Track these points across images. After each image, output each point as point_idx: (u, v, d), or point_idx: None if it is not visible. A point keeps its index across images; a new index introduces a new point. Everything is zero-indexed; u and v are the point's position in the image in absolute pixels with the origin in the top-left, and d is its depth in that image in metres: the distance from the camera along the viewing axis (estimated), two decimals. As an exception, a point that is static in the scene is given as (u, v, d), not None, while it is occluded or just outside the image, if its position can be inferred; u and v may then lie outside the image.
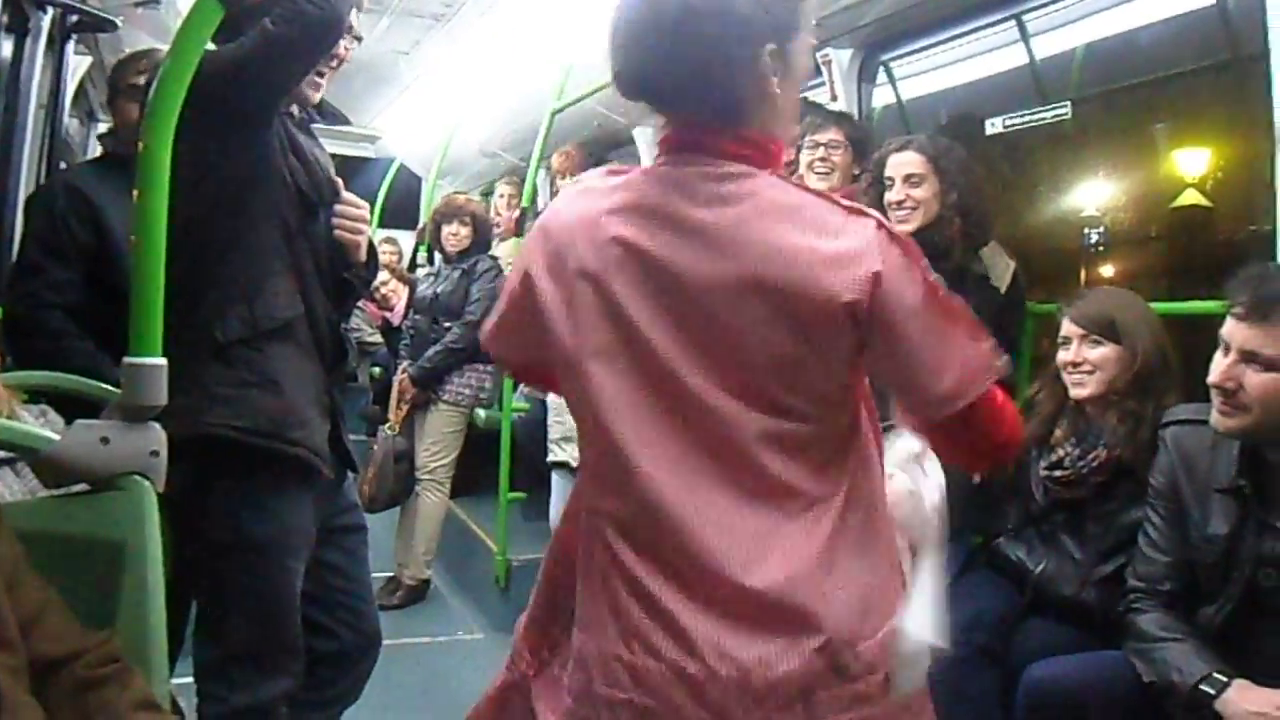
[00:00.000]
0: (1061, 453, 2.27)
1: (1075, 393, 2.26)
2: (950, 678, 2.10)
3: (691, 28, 1.14)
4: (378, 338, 5.97)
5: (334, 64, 1.99)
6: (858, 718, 1.17)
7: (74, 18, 3.44)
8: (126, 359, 1.47)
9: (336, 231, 1.99)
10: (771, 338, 1.14)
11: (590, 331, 1.20)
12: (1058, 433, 2.31)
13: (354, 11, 1.97)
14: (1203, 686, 1.79)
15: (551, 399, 3.76)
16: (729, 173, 1.18)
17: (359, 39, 2.05)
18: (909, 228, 2.47)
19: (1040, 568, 2.26)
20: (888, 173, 2.57)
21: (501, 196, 5.33)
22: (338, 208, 2.00)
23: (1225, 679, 1.78)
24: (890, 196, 2.54)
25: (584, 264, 1.20)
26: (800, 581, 1.16)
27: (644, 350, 1.18)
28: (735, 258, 1.14)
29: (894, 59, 3.54)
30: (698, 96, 1.19)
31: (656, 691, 1.17)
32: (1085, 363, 2.24)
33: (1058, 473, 2.27)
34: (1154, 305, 2.35)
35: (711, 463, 1.18)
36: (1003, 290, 2.66)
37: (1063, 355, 2.28)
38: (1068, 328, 2.28)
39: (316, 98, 2.00)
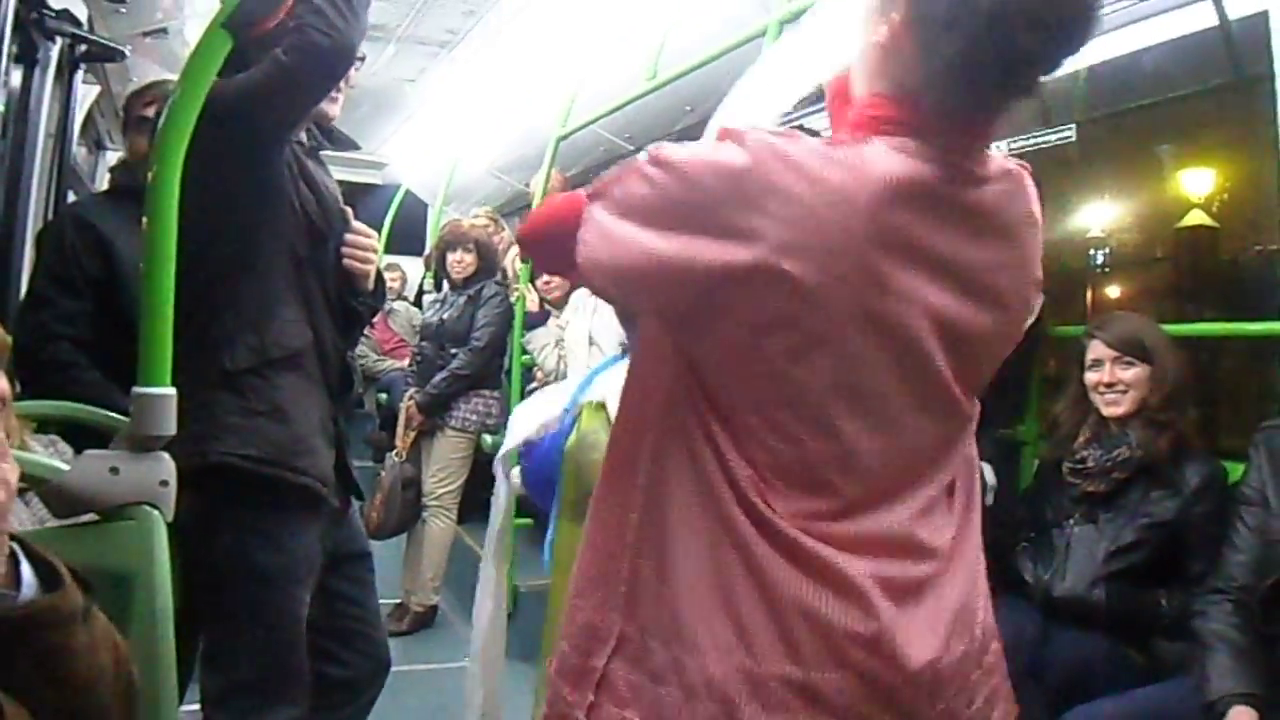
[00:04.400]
0: (1085, 453, 2.32)
1: (1109, 411, 2.31)
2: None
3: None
4: (384, 364, 5.99)
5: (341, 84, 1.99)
6: None
7: (82, 47, 3.46)
8: (136, 389, 1.47)
9: (346, 260, 2.00)
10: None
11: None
12: (1080, 440, 2.36)
13: None
14: (1218, 706, 1.79)
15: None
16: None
17: (362, 58, 2.05)
18: None
19: (1050, 574, 2.28)
20: None
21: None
22: (348, 236, 2.00)
23: (1235, 703, 1.77)
24: None
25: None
26: None
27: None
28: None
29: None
30: None
31: None
32: (1119, 383, 2.30)
33: (1080, 467, 2.30)
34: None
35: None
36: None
37: (1093, 376, 2.34)
38: (1099, 350, 2.33)
39: (336, 111, 2.00)
